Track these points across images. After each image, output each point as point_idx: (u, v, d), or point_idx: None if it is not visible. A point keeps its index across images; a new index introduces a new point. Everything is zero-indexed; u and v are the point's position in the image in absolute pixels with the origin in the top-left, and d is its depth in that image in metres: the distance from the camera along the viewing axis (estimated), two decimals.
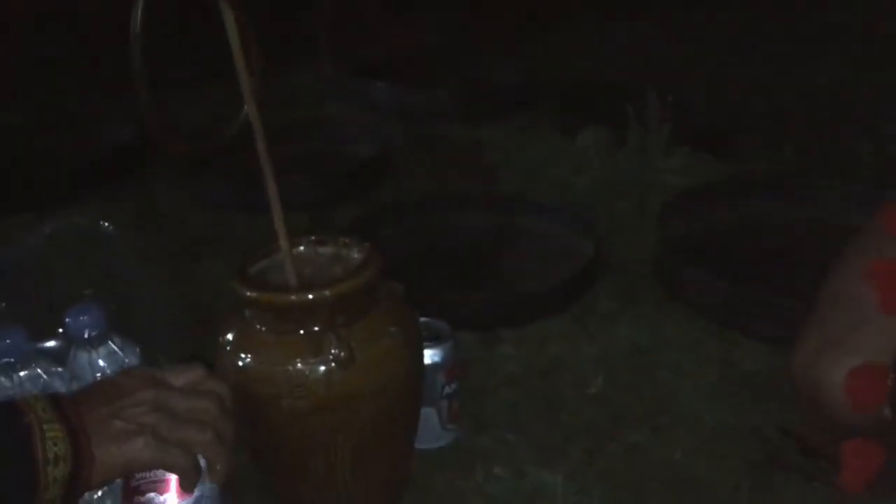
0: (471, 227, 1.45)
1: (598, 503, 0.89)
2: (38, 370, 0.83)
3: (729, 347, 1.13)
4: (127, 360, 0.86)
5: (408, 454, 0.90)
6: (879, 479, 0.87)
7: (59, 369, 0.85)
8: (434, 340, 0.94)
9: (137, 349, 0.88)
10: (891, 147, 1.63)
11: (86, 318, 0.83)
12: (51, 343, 0.88)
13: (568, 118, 1.78)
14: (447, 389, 0.96)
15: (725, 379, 1.07)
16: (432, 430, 0.96)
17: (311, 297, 0.78)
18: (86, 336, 0.83)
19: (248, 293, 0.80)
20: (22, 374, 0.82)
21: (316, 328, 0.79)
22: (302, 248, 0.88)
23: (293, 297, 0.79)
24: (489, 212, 1.46)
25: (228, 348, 0.82)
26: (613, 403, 1.04)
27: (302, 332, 0.79)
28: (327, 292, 0.78)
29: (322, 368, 0.78)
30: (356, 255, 0.86)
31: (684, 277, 1.24)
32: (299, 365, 0.78)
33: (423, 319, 0.93)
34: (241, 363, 0.80)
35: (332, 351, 0.78)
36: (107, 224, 0.98)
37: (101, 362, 0.84)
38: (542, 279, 1.28)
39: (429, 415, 0.95)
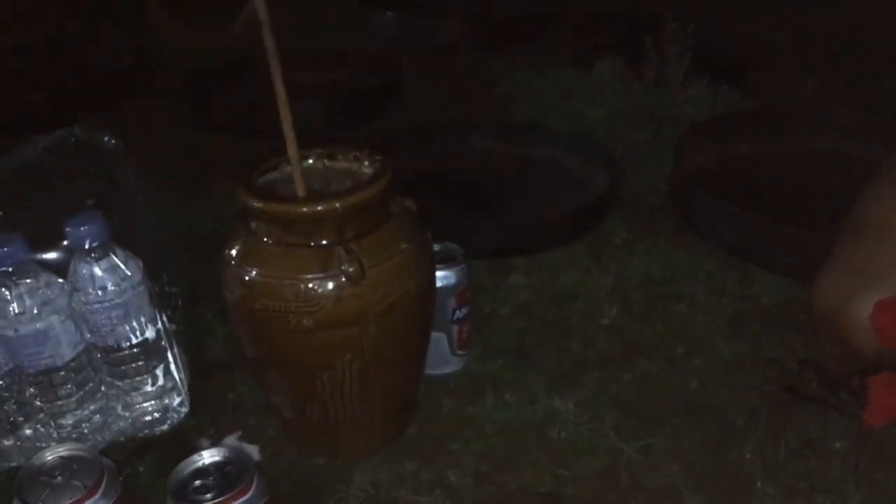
0: (482, 155, 1.41)
1: (610, 430, 0.87)
2: (38, 281, 0.80)
3: (745, 279, 1.10)
4: (129, 274, 0.83)
5: (417, 378, 0.88)
6: None
7: (60, 280, 0.82)
8: (446, 262, 0.91)
9: (140, 263, 0.85)
10: None
11: (87, 227, 0.80)
12: (51, 254, 0.84)
13: (582, 49, 1.73)
14: (458, 314, 0.93)
15: (742, 311, 1.05)
16: (442, 356, 0.94)
17: (319, 208, 0.75)
18: (87, 247, 0.80)
19: (255, 203, 0.77)
20: (21, 284, 0.79)
21: (325, 241, 0.76)
22: (311, 160, 0.84)
23: (302, 208, 0.76)
24: (501, 140, 1.42)
25: (233, 262, 0.78)
26: (627, 333, 1.02)
27: (310, 245, 0.76)
28: (337, 204, 0.75)
29: (331, 284, 0.75)
30: (368, 169, 0.83)
31: (700, 209, 1.20)
32: (307, 279, 0.75)
33: (435, 243, 0.90)
34: (246, 277, 0.77)
35: (342, 266, 0.75)
36: (108, 137, 0.94)
37: (103, 274, 0.81)
38: (555, 208, 1.24)
39: (439, 340, 0.92)
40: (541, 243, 1.17)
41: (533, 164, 1.37)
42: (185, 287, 1.01)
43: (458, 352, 0.95)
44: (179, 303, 0.98)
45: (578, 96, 1.56)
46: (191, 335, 1.00)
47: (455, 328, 0.94)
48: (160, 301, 0.89)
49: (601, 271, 1.13)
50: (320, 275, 0.75)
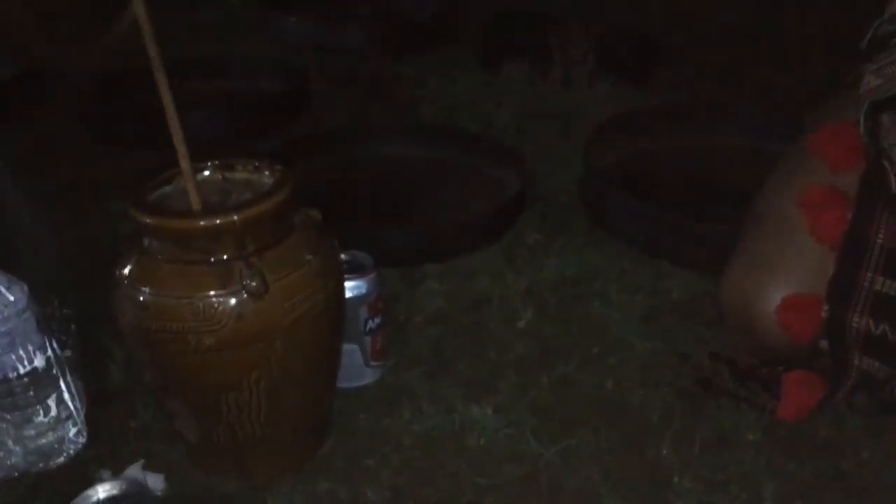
0: (392, 161, 1.38)
1: (529, 435, 0.86)
2: None
3: (657, 275, 1.11)
4: (11, 300, 0.77)
5: (329, 393, 0.85)
6: (818, 411, 0.86)
7: None
8: (355, 272, 0.89)
9: (25, 287, 0.80)
10: (803, 75, 1.63)
11: None
12: None
13: (490, 51, 1.73)
14: (370, 324, 0.91)
15: (655, 307, 1.05)
16: (356, 368, 0.91)
17: (217, 221, 0.72)
18: None
19: (146, 219, 0.73)
20: None
21: (224, 256, 0.73)
22: (207, 172, 0.80)
23: (198, 223, 0.72)
24: (411, 145, 1.40)
25: (126, 282, 0.74)
26: (543, 336, 1.01)
27: (208, 261, 0.72)
28: (235, 216, 0.72)
29: (232, 300, 0.72)
30: (268, 179, 0.79)
31: (610, 207, 1.21)
32: (207, 297, 0.72)
33: (343, 252, 0.88)
34: (141, 297, 0.73)
35: (243, 281, 0.72)
36: None
37: None
38: (466, 212, 1.23)
39: (352, 351, 0.90)
40: (453, 248, 1.15)
41: (443, 168, 1.36)
42: (81, 310, 0.96)
43: (373, 363, 0.93)
44: (73, 327, 0.93)
45: (487, 98, 1.56)
46: (87, 360, 0.95)
47: (368, 339, 0.91)
48: (50, 326, 0.84)
49: (515, 274, 1.12)
50: (220, 291, 0.72)
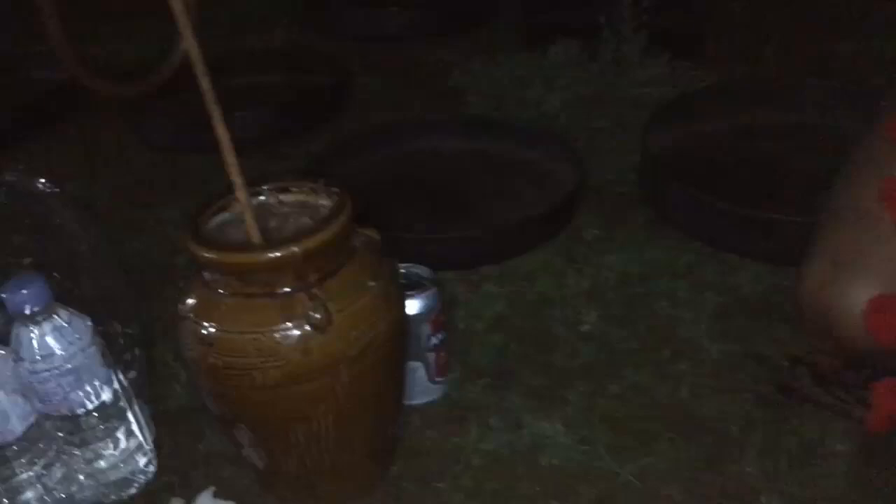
0: (441, 155, 1.35)
1: (603, 451, 0.83)
2: None
3: (725, 270, 1.07)
4: (77, 336, 0.76)
5: (396, 415, 0.83)
6: None
7: (2, 352, 0.76)
8: (415, 289, 0.86)
9: (88, 321, 0.79)
10: (870, 45, 1.55)
11: (26, 292, 0.73)
12: None
13: (532, 31, 1.67)
14: (433, 340, 0.89)
15: (725, 305, 1.01)
16: (420, 385, 0.89)
17: (278, 254, 0.69)
18: (27, 312, 0.74)
19: (205, 254, 0.71)
20: None
21: (286, 289, 0.70)
22: (263, 196, 0.78)
23: (258, 257, 0.70)
24: (459, 137, 1.36)
25: (190, 316, 0.73)
26: (609, 340, 0.98)
27: (270, 294, 0.71)
28: (296, 248, 0.69)
29: (296, 333, 0.70)
30: (325, 201, 0.77)
31: (672, 198, 1.17)
32: (270, 331, 0.70)
33: (401, 266, 0.85)
34: (204, 332, 0.72)
35: (307, 313, 0.70)
36: (43, 180, 0.87)
37: (48, 339, 0.75)
38: (521, 208, 1.19)
39: (416, 369, 0.88)
40: (511, 248, 1.12)
41: (493, 160, 1.32)
42: (140, 328, 0.95)
43: (437, 379, 0.91)
44: (137, 350, 0.92)
45: (535, 83, 1.51)
46: (151, 382, 0.95)
47: (432, 356, 0.89)
48: (114, 353, 0.83)
49: (576, 273, 1.09)
50: (284, 325, 0.70)
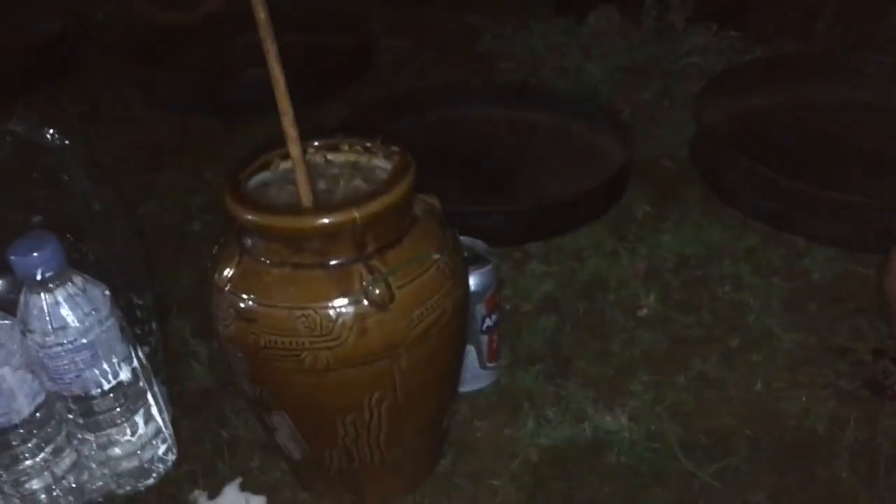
0: (478, 124, 1.26)
1: (676, 450, 0.75)
2: None
3: (792, 254, 0.99)
4: (94, 306, 0.67)
5: (449, 404, 0.75)
6: None
7: (7, 322, 0.66)
8: (473, 264, 0.77)
9: (106, 290, 0.69)
10: None
11: (38, 254, 0.64)
12: None
13: None
14: (488, 322, 0.80)
15: (795, 291, 0.93)
16: (471, 371, 0.81)
17: (335, 219, 0.60)
18: (39, 278, 0.64)
19: (250, 216, 0.62)
20: None
21: (341, 260, 0.61)
22: (308, 155, 0.69)
23: (314, 221, 0.61)
24: (497, 106, 1.27)
25: (227, 288, 0.63)
26: (671, 326, 0.90)
27: (322, 265, 0.61)
28: (356, 213, 0.60)
29: (352, 310, 0.61)
30: (380, 162, 0.68)
31: (731, 175, 1.08)
32: (323, 307, 0.61)
33: None
34: (244, 306, 0.63)
35: (365, 287, 0.61)
36: (53, 132, 0.78)
37: (61, 309, 0.66)
38: (565, 182, 1.11)
39: (467, 353, 0.79)
40: (558, 225, 1.04)
41: (535, 131, 1.23)
42: (154, 299, 0.86)
43: (489, 364, 0.82)
44: (154, 324, 0.83)
45: (572, 51, 1.42)
46: (169, 360, 0.86)
47: (485, 338, 0.80)
48: (131, 327, 0.74)
49: (629, 253, 1.00)
50: (339, 301, 0.61)
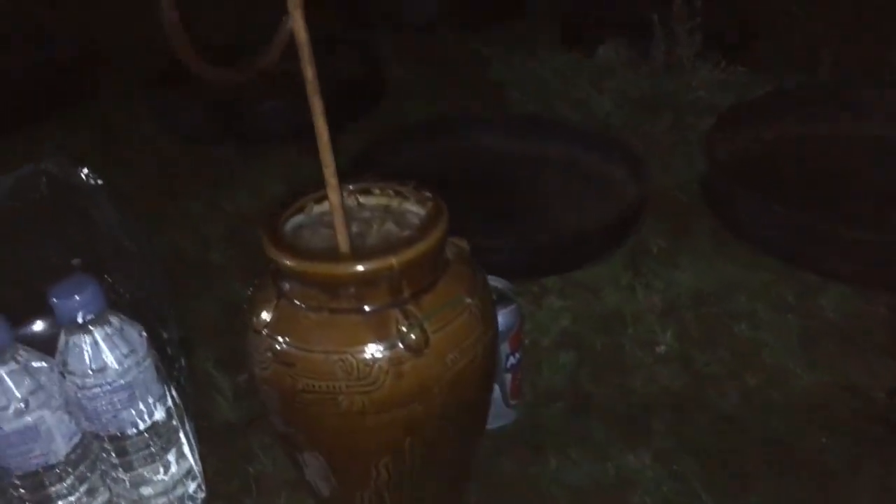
0: (489, 154, 1.27)
1: (701, 491, 0.76)
2: (23, 366, 0.65)
3: (805, 290, 1.00)
4: (132, 347, 0.68)
5: (478, 443, 0.76)
6: None
7: (42, 363, 0.67)
8: (498, 303, 0.78)
9: (142, 330, 0.70)
10: None
11: (80, 298, 0.65)
12: (33, 327, 0.69)
13: (570, 27, 1.61)
14: (511, 360, 0.81)
15: (810, 329, 0.94)
16: (496, 408, 0.81)
17: (373, 266, 0.62)
18: (80, 320, 0.66)
19: (288, 262, 0.63)
20: (1, 372, 0.64)
21: (378, 305, 0.63)
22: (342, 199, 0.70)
23: (352, 268, 0.62)
24: (508, 136, 1.29)
25: (265, 332, 0.65)
26: (690, 363, 0.91)
27: (359, 310, 0.63)
28: (393, 260, 0.62)
29: (388, 355, 0.62)
30: (412, 206, 0.70)
31: (743, 209, 1.10)
32: (360, 352, 0.62)
33: None
34: (281, 349, 0.64)
35: (401, 332, 0.62)
36: (86, 172, 0.79)
37: (101, 351, 0.67)
38: (580, 216, 1.12)
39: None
40: (575, 259, 1.05)
41: (547, 163, 1.24)
42: (179, 332, 0.87)
43: (512, 402, 0.84)
44: (182, 360, 0.84)
45: (581, 82, 1.44)
46: (195, 394, 0.87)
47: (509, 377, 0.82)
48: (164, 365, 0.75)
49: (645, 288, 1.02)
50: (375, 346, 0.62)
